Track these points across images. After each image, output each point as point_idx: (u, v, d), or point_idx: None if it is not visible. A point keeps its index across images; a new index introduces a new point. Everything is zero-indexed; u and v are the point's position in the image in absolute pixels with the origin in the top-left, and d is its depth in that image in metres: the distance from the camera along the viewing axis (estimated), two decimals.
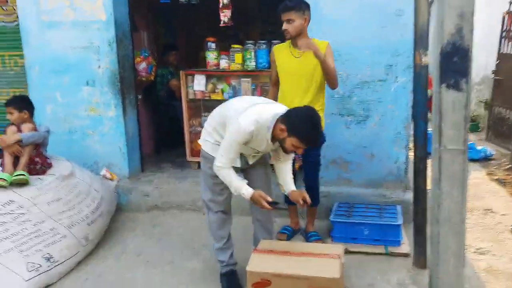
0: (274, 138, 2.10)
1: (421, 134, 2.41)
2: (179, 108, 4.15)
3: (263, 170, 2.43)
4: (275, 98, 2.78)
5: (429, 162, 1.91)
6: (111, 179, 3.77)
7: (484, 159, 4.92)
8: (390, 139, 3.22)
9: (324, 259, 2.06)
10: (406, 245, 2.81)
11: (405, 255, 2.72)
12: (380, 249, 2.79)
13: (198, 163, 3.37)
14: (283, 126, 2.04)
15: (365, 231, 2.86)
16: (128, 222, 3.57)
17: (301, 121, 2.01)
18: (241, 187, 2.16)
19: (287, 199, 2.44)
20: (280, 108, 2.17)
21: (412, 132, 2.66)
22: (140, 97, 4.41)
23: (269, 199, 2.12)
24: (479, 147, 5.03)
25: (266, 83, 4.02)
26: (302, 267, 2.02)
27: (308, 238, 2.91)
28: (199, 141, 2.43)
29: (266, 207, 2.11)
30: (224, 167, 2.16)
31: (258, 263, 2.08)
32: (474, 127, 6.53)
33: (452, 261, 1.45)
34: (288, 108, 2.14)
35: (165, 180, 3.93)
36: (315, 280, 1.95)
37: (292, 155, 2.34)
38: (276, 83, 2.87)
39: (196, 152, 3.88)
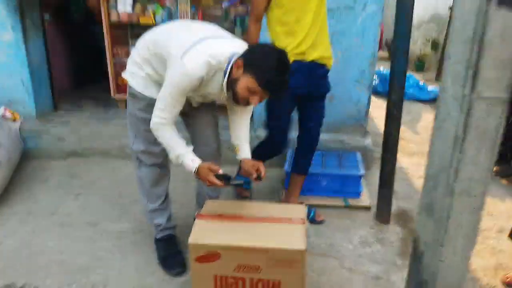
0: (230, 84, 1.57)
1: (400, 73, 2.02)
2: (100, 34, 3.36)
3: (210, 114, 1.92)
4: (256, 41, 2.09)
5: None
6: (13, 120, 3.01)
7: (434, 100, 4.81)
8: (353, 78, 2.82)
9: (285, 225, 1.67)
10: (366, 197, 2.55)
11: (366, 208, 2.46)
12: (339, 201, 2.50)
13: (126, 101, 2.75)
14: (240, 61, 1.51)
15: (323, 182, 2.53)
16: (38, 171, 2.92)
17: (265, 57, 1.49)
18: (185, 156, 1.65)
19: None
20: (240, 46, 1.62)
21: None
22: (48, 18, 3.52)
23: (220, 171, 1.64)
24: (430, 88, 4.88)
25: (210, 7, 3.34)
26: (259, 237, 1.61)
27: None
28: (124, 75, 1.81)
29: (216, 184, 1.64)
30: (165, 124, 1.62)
31: (203, 233, 1.64)
32: (420, 66, 6.42)
33: (461, 242, 1.14)
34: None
35: (85, 122, 3.25)
36: (276, 252, 1.57)
37: (251, 107, 1.85)
38: (260, 18, 2.07)
39: (123, 88, 3.22)
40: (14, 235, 2.19)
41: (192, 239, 1.61)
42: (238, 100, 1.57)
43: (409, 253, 1.99)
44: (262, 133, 2.96)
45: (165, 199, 1.96)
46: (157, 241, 2.01)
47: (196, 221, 1.71)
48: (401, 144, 3.57)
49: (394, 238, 2.20)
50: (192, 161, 1.64)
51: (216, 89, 1.63)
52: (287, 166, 2.56)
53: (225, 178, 1.66)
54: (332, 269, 1.93)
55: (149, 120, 1.70)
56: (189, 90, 1.57)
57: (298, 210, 1.79)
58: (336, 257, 2.01)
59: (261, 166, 1.76)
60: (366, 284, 1.83)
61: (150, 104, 1.67)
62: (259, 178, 1.75)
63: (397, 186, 2.53)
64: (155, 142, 1.81)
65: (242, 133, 1.84)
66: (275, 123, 2.24)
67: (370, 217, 2.39)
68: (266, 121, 2.30)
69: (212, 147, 1.92)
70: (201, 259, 1.61)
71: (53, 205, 2.49)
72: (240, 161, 1.82)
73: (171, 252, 1.95)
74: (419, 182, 2.84)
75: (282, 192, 2.56)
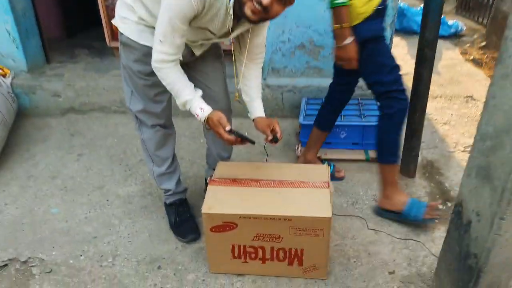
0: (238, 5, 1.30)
1: (436, 7, 1.72)
2: None
3: (217, 63, 1.67)
4: None
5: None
6: (3, 75, 2.78)
7: (454, 36, 4.43)
8: None
9: (308, 189, 1.50)
10: None
11: None
12: (360, 154, 2.32)
13: None
14: None
15: (341, 134, 2.33)
16: (35, 131, 2.74)
17: None
18: (193, 102, 1.43)
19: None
20: None
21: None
22: None
23: (228, 127, 1.43)
24: (450, 22, 4.48)
25: None
26: (280, 204, 1.45)
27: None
28: (114, 21, 1.55)
29: (227, 139, 1.44)
30: (168, 61, 1.37)
31: (217, 201, 1.48)
32: None
33: None
34: None
35: (80, 74, 3.00)
36: (299, 220, 1.42)
37: (263, 55, 1.60)
38: None
39: None
40: (15, 202, 2.06)
41: (206, 208, 1.46)
42: (249, 12, 1.28)
43: (440, 210, 1.89)
44: (273, 81, 2.71)
45: (172, 161, 1.78)
46: (167, 206, 1.87)
47: (209, 187, 1.54)
48: None
49: (420, 192, 2.04)
50: (201, 110, 1.43)
51: (222, 14, 1.34)
52: (302, 118, 2.35)
53: (236, 134, 1.45)
54: (356, 230, 1.79)
55: (148, 73, 1.48)
56: (190, 17, 1.30)
57: (321, 172, 1.61)
58: (360, 216, 1.87)
59: (277, 125, 1.55)
60: (394, 246, 1.70)
61: (147, 54, 1.43)
62: (275, 139, 1.55)
63: None
64: (155, 99, 1.60)
65: (253, 86, 1.61)
66: (395, 75, 1.65)
67: None
68: (377, 81, 1.67)
69: (221, 103, 1.70)
70: (216, 228, 1.47)
71: (55, 168, 2.34)
72: (253, 120, 1.61)
73: (183, 217, 1.81)
74: (444, 130, 2.63)
75: (298, 147, 2.37)
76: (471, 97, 3.07)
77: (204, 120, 1.43)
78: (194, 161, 2.35)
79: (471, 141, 2.55)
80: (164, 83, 1.42)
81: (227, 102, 1.74)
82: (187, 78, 1.43)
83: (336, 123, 2.30)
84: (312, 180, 1.55)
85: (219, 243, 1.51)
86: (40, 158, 2.44)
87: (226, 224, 1.46)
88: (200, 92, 1.46)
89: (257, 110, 1.62)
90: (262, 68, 1.65)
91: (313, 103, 2.55)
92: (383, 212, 1.84)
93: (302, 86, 2.70)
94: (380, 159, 1.78)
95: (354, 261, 1.63)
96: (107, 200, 2.05)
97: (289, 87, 2.71)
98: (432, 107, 2.91)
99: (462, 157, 2.34)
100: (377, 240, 1.74)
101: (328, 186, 1.51)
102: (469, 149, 2.42)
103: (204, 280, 1.58)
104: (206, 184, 2.00)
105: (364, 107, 2.46)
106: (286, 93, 2.72)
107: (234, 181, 1.57)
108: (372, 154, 2.30)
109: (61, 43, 3.62)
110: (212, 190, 1.53)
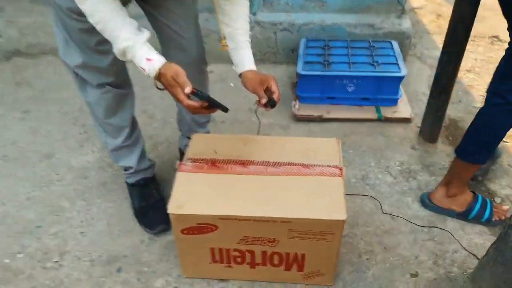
0: None
1: None
2: None
3: (187, 3, 1.18)
4: None
5: None
6: None
7: None
8: None
9: (315, 178, 1.10)
10: (404, 105, 1.94)
11: (406, 121, 1.88)
12: (370, 112, 1.90)
13: None
14: None
15: (349, 87, 1.89)
16: None
17: None
18: (135, 48, 0.95)
19: None
20: None
21: None
22: None
23: (189, 87, 0.95)
24: None
25: None
26: (276, 199, 1.06)
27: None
28: None
29: (187, 105, 0.97)
30: None
31: (189, 195, 1.08)
32: None
33: None
34: None
35: (24, 8, 2.41)
36: (302, 223, 1.04)
37: None
38: None
39: None
40: None
41: (174, 206, 1.06)
42: None
43: (469, 186, 1.49)
44: (265, 17, 2.20)
45: (131, 131, 1.35)
46: (130, 186, 1.47)
47: (178, 174, 1.13)
48: (437, 24, 2.81)
49: (445, 162, 1.66)
50: (148, 61, 0.95)
51: None
52: (300, 66, 1.89)
53: (202, 98, 0.98)
54: (368, 215, 1.44)
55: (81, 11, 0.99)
56: None
57: (331, 150, 1.20)
58: (372, 196, 1.51)
59: (273, 83, 1.12)
60: (415, 237, 1.36)
61: None
62: (271, 103, 1.11)
63: None
64: (99, 49, 1.12)
65: (239, 26, 1.14)
66: None
67: (410, 133, 1.82)
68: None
69: (191, 52, 1.24)
70: (189, 230, 1.09)
71: None
72: (240, 75, 1.16)
73: (150, 202, 1.42)
74: (468, 79, 2.20)
75: (295, 103, 1.94)
76: (496, 37, 2.60)
77: (155, 77, 0.97)
78: (167, 120, 1.91)
79: None
80: (91, 21, 0.93)
81: (200, 50, 1.28)
82: (126, 13, 0.95)
83: (342, 73, 1.86)
84: (319, 162, 1.14)
85: (194, 246, 1.14)
86: None
87: (202, 226, 1.08)
88: (145, 34, 0.97)
89: (245, 61, 1.16)
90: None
91: (314, 46, 2.06)
92: (437, 209, 1.45)
93: (300, 23, 2.19)
94: (466, 156, 1.35)
95: (367, 259, 1.29)
96: (57, 174, 1.64)
97: (285, 25, 2.19)
98: None
99: None
100: (394, 228, 1.39)
101: (341, 174, 1.11)
102: None
103: (176, 287, 1.24)
104: (182, 154, 1.59)
105: (377, 51, 1.99)
106: (281, 32, 2.21)
107: (213, 164, 1.15)
108: (385, 112, 1.89)
109: None
110: (182, 180, 1.12)
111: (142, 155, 1.42)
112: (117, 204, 1.50)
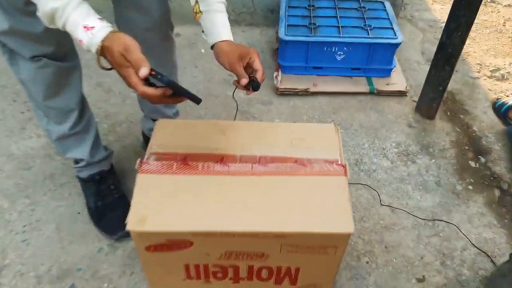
0: None
1: None
2: None
3: None
4: None
5: None
6: None
7: None
8: None
9: (312, 178, 0.88)
10: (398, 76, 1.74)
11: (400, 94, 1.68)
12: (361, 85, 1.69)
13: None
14: None
15: (338, 55, 1.66)
16: None
17: None
18: (66, 11, 0.66)
19: None
20: None
21: None
22: None
23: (145, 68, 0.67)
24: None
25: None
26: (265, 208, 0.84)
27: None
28: None
29: (142, 92, 0.69)
30: None
31: (154, 205, 0.84)
32: None
33: None
34: None
35: None
36: (299, 237, 0.83)
37: None
38: None
39: None
40: None
41: (134, 221, 0.82)
42: None
43: (472, 170, 1.38)
44: None
45: (80, 115, 1.07)
46: (83, 182, 1.21)
47: (139, 178, 0.88)
48: None
49: (444, 142, 1.50)
50: (86, 30, 0.67)
51: None
52: (283, 31, 1.62)
53: (164, 83, 0.70)
54: (365, 208, 1.26)
55: None
56: None
57: (328, 139, 0.99)
58: (369, 185, 1.32)
59: (256, 58, 0.87)
60: (419, 233, 1.20)
61: None
62: (254, 85, 0.87)
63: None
64: (27, 9, 0.82)
65: None
66: None
67: (406, 107, 1.63)
68: None
69: (154, 12, 0.97)
70: (157, 248, 0.87)
71: None
72: (212, 46, 0.90)
73: (107, 201, 1.17)
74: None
75: (277, 74, 1.69)
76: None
77: (97, 52, 0.70)
78: (127, 95, 1.63)
79: (498, 61, 2.00)
80: None
81: (164, 9, 1.00)
82: None
83: (332, 39, 1.62)
84: (316, 156, 0.92)
85: (163, 263, 0.92)
86: None
87: (173, 244, 0.85)
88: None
89: (219, 29, 0.89)
90: None
91: (297, 5, 1.79)
92: None
93: None
94: None
95: (367, 262, 1.12)
96: None
97: None
98: (442, 12, 2.24)
99: (489, 86, 1.77)
100: (395, 223, 1.22)
101: (346, 174, 0.90)
102: (497, 74, 1.85)
103: None
104: (146, 138, 1.34)
105: (369, 13, 1.75)
106: None
107: (185, 162, 0.91)
108: (378, 84, 1.68)
109: None
110: (145, 184, 0.87)
111: (96, 144, 1.15)
112: (68, 202, 1.24)
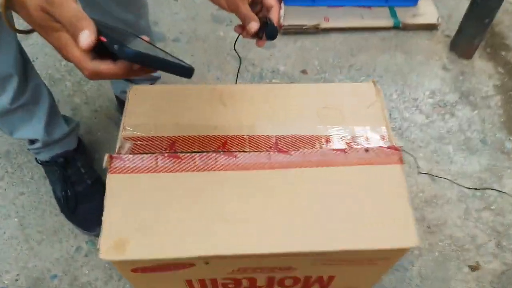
0: None
1: None
2: None
3: None
4: None
5: None
6: None
7: None
8: None
9: (356, 170, 0.63)
10: (427, 4, 1.41)
11: (431, 28, 1.37)
12: (383, 18, 1.37)
13: None
14: None
15: None
16: None
17: None
18: None
19: None
20: None
21: None
22: None
23: (89, 34, 0.36)
24: None
25: None
26: (294, 222, 0.60)
27: None
28: None
29: (88, 70, 0.40)
30: None
31: (135, 221, 0.59)
32: None
33: None
34: None
35: None
36: (345, 253, 0.60)
37: None
38: None
39: None
40: None
41: (107, 247, 0.58)
42: None
43: None
44: None
45: (22, 81, 0.78)
46: (44, 166, 0.95)
47: (110, 181, 0.62)
48: None
49: (487, 87, 1.24)
50: None
51: None
52: None
53: (127, 55, 0.39)
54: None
55: None
56: None
57: (367, 104, 0.72)
58: (403, 148, 1.08)
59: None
60: (467, 207, 0.99)
61: None
62: (269, 31, 0.59)
63: None
64: None
65: None
66: None
67: (438, 45, 1.34)
68: None
69: None
70: (145, 270, 0.64)
71: None
72: None
73: (77, 189, 0.92)
74: None
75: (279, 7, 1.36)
76: None
77: (1, 6, 0.39)
78: None
79: None
80: None
81: None
82: None
83: None
84: (353, 134, 0.67)
85: (157, 281, 0.70)
86: None
87: (169, 266, 0.62)
88: None
89: None
90: None
91: None
92: None
93: None
94: None
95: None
96: None
97: None
98: None
99: None
100: (438, 195, 1.01)
101: (400, 158, 0.65)
102: None
103: None
104: (120, 101, 1.06)
105: None
106: None
107: (172, 150, 0.65)
108: (403, 16, 1.37)
109: None
110: (118, 189, 0.61)
111: (53, 117, 0.87)
112: (31, 189, 0.99)
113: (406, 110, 1.17)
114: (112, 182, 0.61)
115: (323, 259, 0.63)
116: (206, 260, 0.59)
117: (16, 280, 0.87)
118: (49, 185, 0.98)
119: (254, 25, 0.57)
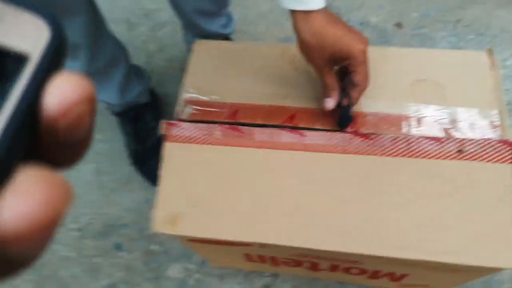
0: None
1: None
2: None
3: None
4: None
5: None
6: None
7: None
8: None
9: (458, 166, 0.51)
10: None
11: None
12: None
13: None
14: None
15: None
16: None
17: None
18: None
19: None
20: None
21: None
22: None
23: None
24: None
25: None
26: (379, 217, 0.52)
27: None
28: None
29: None
30: None
31: (190, 195, 0.55)
32: None
33: None
34: None
35: None
36: (442, 265, 0.51)
37: None
38: None
39: None
40: None
41: (161, 220, 0.56)
42: None
43: None
44: None
45: (94, 51, 0.75)
46: (116, 116, 0.95)
47: (167, 150, 0.58)
48: None
49: None
50: None
51: None
52: None
53: None
54: None
55: None
56: None
57: (479, 78, 0.58)
58: None
59: (361, 66, 0.48)
60: None
61: None
62: (342, 120, 0.53)
63: None
64: None
65: None
66: None
67: None
68: None
69: None
70: (203, 241, 0.62)
71: None
72: (293, 18, 0.47)
73: (147, 144, 0.92)
74: None
75: None
76: None
77: None
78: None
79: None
80: None
81: None
82: None
83: None
84: (454, 117, 0.54)
85: (216, 252, 0.68)
86: None
87: (221, 242, 0.59)
88: None
89: None
90: None
91: None
92: None
93: None
94: None
95: None
96: None
97: None
98: None
99: None
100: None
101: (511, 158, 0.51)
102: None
103: (199, 280, 0.84)
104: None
105: None
106: None
107: (233, 119, 0.58)
108: None
109: None
110: (175, 161, 0.57)
111: (128, 82, 0.85)
112: (107, 136, 1.02)
113: None
114: (168, 151, 0.57)
115: (399, 263, 0.54)
116: (262, 245, 0.54)
117: (90, 223, 0.93)
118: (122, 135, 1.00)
119: (330, 103, 0.50)
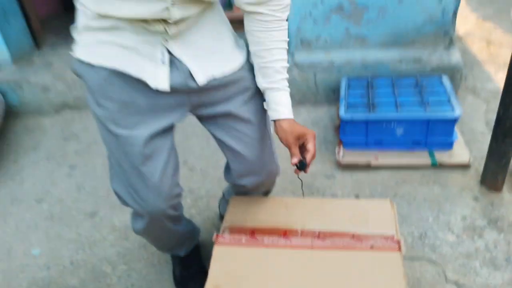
0: None
1: None
2: None
3: (254, 100, 1.07)
4: None
5: None
6: None
7: None
8: None
9: (369, 253, 0.98)
10: (461, 149, 1.77)
11: (464, 167, 1.70)
12: (423, 157, 1.75)
13: None
14: None
15: (397, 130, 1.76)
16: (25, 135, 2.33)
17: None
18: None
19: None
20: None
21: None
22: None
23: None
24: None
25: None
26: (323, 286, 0.95)
27: None
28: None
29: None
30: None
31: (227, 275, 1.00)
32: None
33: None
34: None
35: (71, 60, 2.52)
36: None
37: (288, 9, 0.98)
38: None
39: None
40: None
41: None
42: None
43: None
44: (302, 58, 2.13)
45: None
46: (174, 259, 1.41)
47: (215, 250, 1.05)
48: (488, 52, 2.57)
49: None
50: None
51: None
52: (343, 110, 1.78)
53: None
54: (430, 284, 1.28)
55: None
56: None
57: (384, 214, 1.09)
58: (433, 260, 1.35)
59: (311, 141, 1.01)
60: None
61: (107, 81, 0.93)
62: (301, 165, 1.02)
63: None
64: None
65: (274, 60, 0.97)
66: None
67: (470, 180, 1.64)
68: None
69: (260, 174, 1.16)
70: None
71: (42, 186, 1.93)
72: (274, 121, 1.03)
73: (191, 271, 1.35)
74: None
75: (339, 149, 1.83)
76: None
77: None
78: (207, 172, 1.87)
79: None
80: None
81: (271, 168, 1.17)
82: None
83: (390, 115, 1.74)
84: (372, 231, 1.03)
85: None
86: (28, 172, 2.04)
87: None
88: None
89: (280, 108, 0.99)
90: (287, 34, 0.98)
91: (356, 85, 1.96)
92: None
93: (341, 61, 2.10)
94: None
95: None
96: (100, 233, 1.63)
97: (324, 64, 2.12)
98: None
99: None
100: None
101: (399, 247, 0.99)
102: None
103: None
104: (221, 217, 1.52)
105: (426, 88, 1.85)
106: (321, 73, 2.13)
107: (253, 235, 1.07)
108: (440, 156, 1.73)
109: (57, 19, 3.11)
110: (220, 255, 1.04)
111: (187, 242, 1.33)
112: (157, 270, 1.45)
113: (440, 230, 1.45)
114: (217, 251, 1.04)
115: None
116: None
117: None
118: (170, 266, 1.43)
119: (294, 160, 1.01)
